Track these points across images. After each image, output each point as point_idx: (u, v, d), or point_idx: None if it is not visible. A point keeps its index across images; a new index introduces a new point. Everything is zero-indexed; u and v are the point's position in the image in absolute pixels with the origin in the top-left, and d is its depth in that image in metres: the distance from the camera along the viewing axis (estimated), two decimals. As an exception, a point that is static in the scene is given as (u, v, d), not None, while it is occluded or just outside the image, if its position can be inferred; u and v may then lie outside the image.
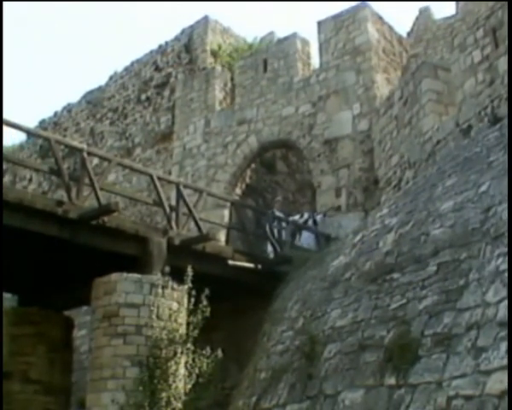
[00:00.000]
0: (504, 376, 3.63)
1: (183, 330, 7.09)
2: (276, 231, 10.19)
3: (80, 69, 41.54)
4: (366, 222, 7.82)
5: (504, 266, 4.28)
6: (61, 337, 9.00)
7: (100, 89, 18.10)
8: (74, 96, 27.36)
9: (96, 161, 12.91)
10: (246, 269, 8.94)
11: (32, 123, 18.16)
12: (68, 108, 18.82)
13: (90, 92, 18.34)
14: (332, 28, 12.28)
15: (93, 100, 18.01)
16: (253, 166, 13.73)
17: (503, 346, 3.81)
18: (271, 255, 10.00)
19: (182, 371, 6.96)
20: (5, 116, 7.23)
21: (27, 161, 13.86)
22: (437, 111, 8.85)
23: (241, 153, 13.12)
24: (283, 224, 10.58)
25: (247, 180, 13.70)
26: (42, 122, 19.02)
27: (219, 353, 6.93)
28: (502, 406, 3.61)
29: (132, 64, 17.50)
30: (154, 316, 7.06)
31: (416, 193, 6.75)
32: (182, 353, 6.95)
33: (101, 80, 18.33)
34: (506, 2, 7.32)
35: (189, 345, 6.97)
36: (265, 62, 13.37)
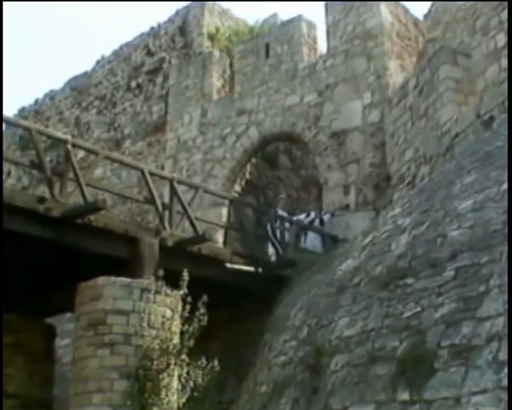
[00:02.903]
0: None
1: (176, 339, 7.10)
2: (278, 231, 10.20)
3: (64, 52, 41.55)
4: (377, 222, 7.82)
5: (529, 272, 4.29)
6: (42, 347, 9.01)
7: (86, 74, 18.10)
8: (57, 83, 27.40)
9: (81, 153, 12.91)
10: (245, 273, 8.96)
11: (10, 111, 18.21)
12: (51, 96, 18.82)
13: (75, 78, 18.35)
14: (341, 10, 12.29)
15: (78, 87, 18.02)
16: (253, 160, 13.75)
17: (527, 358, 3.81)
18: (273, 258, 10.01)
19: (175, 384, 6.97)
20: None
21: (5, 154, 13.86)
22: (456, 101, 8.85)
23: (240, 146, 13.12)
24: (286, 224, 10.59)
25: (247, 176, 13.72)
26: (22, 110, 19.04)
27: (216, 364, 6.93)
28: (525, 424, 3.61)
29: (121, 48, 17.50)
30: (144, 324, 7.05)
31: (432, 191, 6.75)
32: (175, 364, 6.96)
33: (88, 65, 18.40)
34: None
35: (183, 356, 6.98)
36: (268, 47, 13.38)
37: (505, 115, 7.40)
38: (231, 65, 14.47)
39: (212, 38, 15.65)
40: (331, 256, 8.33)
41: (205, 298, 6.91)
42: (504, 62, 7.75)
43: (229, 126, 13.35)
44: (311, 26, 13.35)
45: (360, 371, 5.16)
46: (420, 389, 4.45)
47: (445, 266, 5.14)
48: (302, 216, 11.63)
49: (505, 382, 3.88)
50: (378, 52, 11.58)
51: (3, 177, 17.99)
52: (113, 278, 7.27)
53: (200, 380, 6.93)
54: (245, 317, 9.36)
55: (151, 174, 8.73)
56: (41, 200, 7.21)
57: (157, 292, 7.28)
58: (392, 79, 11.42)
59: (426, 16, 13.18)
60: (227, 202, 11.72)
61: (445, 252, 5.28)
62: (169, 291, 7.36)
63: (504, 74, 7.71)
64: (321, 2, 12.78)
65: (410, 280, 5.40)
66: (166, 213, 8.54)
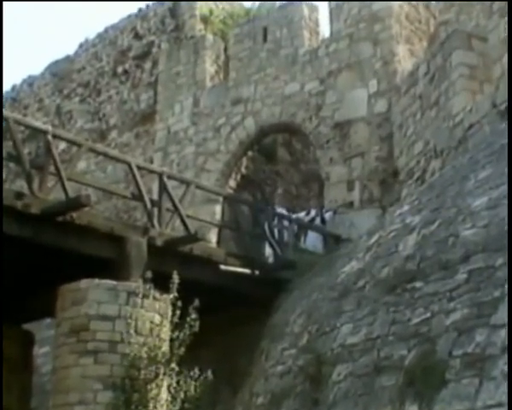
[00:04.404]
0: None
1: (166, 347, 7.10)
2: (276, 230, 10.20)
3: (44, 34, 41.44)
4: (383, 221, 7.83)
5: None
6: (19, 356, 8.99)
7: (68, 59, 18.04)
8: (37, 68, 27.26)
9: (62, 145, 12.88)
10: (241, 275, 8.96)
11: (-14, 99, 18.07)
12: (29, 82, 18.76)
13: (56, 63, 18.28)
14: (345, -10, 12.27)
15: (59, 72, 17.96)
16: (249, 153, 13.74)
17: (546, 369, 3.81)
18: (271, 259, 10.02)
19: (164, 395, 6.97)
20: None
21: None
22: (470, 89, 8.84)
23: (235, 138, 13.11)
24: (285, 222, 10.60)
25: (243, 171, 13.71)
26: (-2, 98, 18.96)
27: (209, 374, 6.94)
28: (543, 439, 3.61)
29: (107, 30, 17.45)
30: (131, 331, 7.05)
31: (444, 187, 6.76)
32: (164, 374, 6.96)
33: (70, 49, 18.34)
34: None
35: (173, 365, 6.98)
36: (265, 31, 13.36)
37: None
38: (226, 50, 14.43)
39: (205, 20, 15.61)
40: (333, 257, 8.34)
41: (196, 302, 6.90)
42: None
43: (223, 116, 13.33)
44: (313, 8, 13.34)
45: (364, 381, 5.16)
46: (430, 402, 4.45)
47: (456, 268, 5.14)
48: (302, 214, 11.64)
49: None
50: (385, 36, 11.57)
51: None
52: (97, 281, 7.25)
53: (191, 391, 6.93)
54: (240, 323, 9.36)
55: (139, 168, 8.72)
56: (19, 195, 7.18)
57: (145, 296, 7.27)
58: (401, 65, 11.42)
59: (438, -3, 13.15)
60: (221, 198, 11.71)
61: (457, 253, 5.29)
62: (158, 295, 7.35)
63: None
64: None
65: (418, 284, 5.40)
66: (155, 211, 8.53)
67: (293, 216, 11.26)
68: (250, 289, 9.02)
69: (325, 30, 13.12)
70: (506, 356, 4.18)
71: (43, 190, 7.41)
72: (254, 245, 10.26)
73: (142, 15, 16.78)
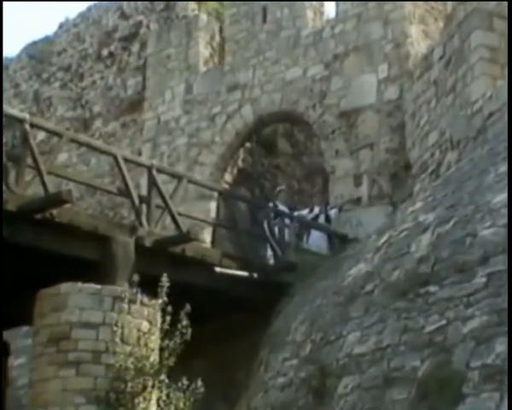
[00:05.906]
0: None
1: (155, 357, 7.12)
2: (276, 229, 10.21)
3: (21, 13, 41.36)
4: (394, 219, 7.84)
5: None
6: (-6, 367, 8.99)
7: (46, 40, 18.02)
8: (12, 49, 27.17)
9: (41, 135, 12.87)
10: (238, 278, 8.97)
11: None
12: (4, 64, 18.67)
13: (34, 44, 18.25)
14: (352, -35, 12.26)
15: (37, 54, 17.92)
16: (247, 145, 13.74)
17: None
18: (271, 261, 10.03)
19: (153, 409, 6.97)
20: None
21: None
22: (490, 74, 8.82)
23: (232, 128, 13.11)
24: (286, 220, 10.61)
25: (240, 164, 13.71)
26: (-30, 84, 18.94)
27: (200, 385, 6.94)
28: None
29: (90, 9, 17.43)
30: (117, 339, 7.05)
31: (460, 182, 6.76)
32: (153, 386, 6.97)
33: (49, 29, 18.29)
34: None
35: (162, 376, 7.00)
36: (265, 10, 13.35)
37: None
38: (221, 31, 14.42)
39: (198, -2, 15.61)
40: (339, 259, 8.36)
41: (188, 308, 6.91)
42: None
43: (218, 104, 13.32)
44: (317, -15, 13.33)
45: (373, 395, 5.17)
46: (445, 418, 4.46)
47: (474, 271, 5.15)
48: (305, 211, 11.64)
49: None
50: (397, 16, 11.56)
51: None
52: (79, 285, 7.25)
53: (181, 405, 6.94)
54: (237, 330, 9.38)
55: (125, 161, 8.71)
56: (-7, 190, 7.18)
57: (132, 301, 7.28)
58: (414, 48, 11.41)
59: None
60: (216, 194, 11.72)
61: (474, 255, 5.29)
62: (146, 300, 7.36)
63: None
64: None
65: (433, 288, 5.41)
66: (144, 208, 8.53)
67: (295, 214, 11.27)
68: (248, 294, 9.03)
69: (330, 9, 13.12)
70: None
71: (19, 184, 7.41)
72: (252, 245, 10.27)
73: (128, -7, 16.77)
